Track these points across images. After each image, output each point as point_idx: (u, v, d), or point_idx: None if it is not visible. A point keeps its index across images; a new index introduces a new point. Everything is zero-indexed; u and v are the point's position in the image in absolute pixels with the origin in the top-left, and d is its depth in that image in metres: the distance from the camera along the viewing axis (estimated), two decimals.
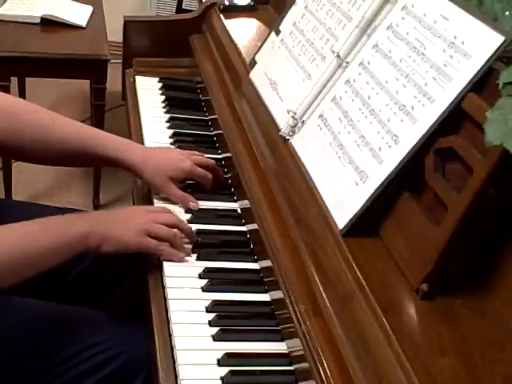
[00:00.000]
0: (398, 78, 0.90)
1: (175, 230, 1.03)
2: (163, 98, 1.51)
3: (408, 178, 0.85)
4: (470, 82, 0.79)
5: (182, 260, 1.01)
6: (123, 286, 1.19)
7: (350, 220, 0.87)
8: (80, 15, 2.35)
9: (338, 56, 1.04)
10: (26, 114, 1.11)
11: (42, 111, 1.14)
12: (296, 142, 1.06)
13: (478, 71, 0.78)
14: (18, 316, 1.02)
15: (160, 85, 1.57)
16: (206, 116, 1.47)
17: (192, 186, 1.18)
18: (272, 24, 1.32)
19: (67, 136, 1.12)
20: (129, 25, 1.64)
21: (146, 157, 1.14)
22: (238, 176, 1.17)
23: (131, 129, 1.41)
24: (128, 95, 1.55)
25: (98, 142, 1.13)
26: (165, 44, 1.64)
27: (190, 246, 1.05)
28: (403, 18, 0.94)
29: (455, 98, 0.80)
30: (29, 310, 1.03)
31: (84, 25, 2.31)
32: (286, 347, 0.90)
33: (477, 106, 0.77)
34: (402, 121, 0.86)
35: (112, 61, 2.14)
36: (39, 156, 1.14)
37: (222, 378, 0.84)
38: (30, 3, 2.34)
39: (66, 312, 1.05)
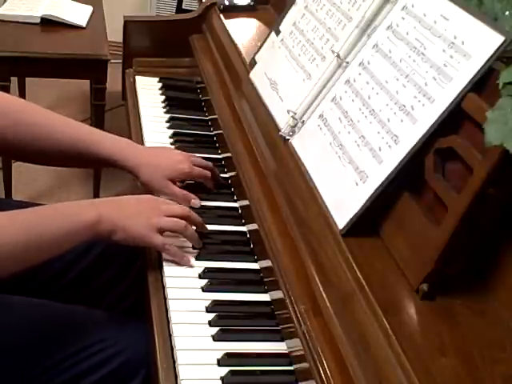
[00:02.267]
0: (397, 78, 0.90)
1: (184, 223, 1.01)
2: (163, 98, 1.51)
3: (408, 178, 0.85)
4: (469, 82, 0.79)
5: (186, 263, 1.01)
6: (123, 285, 1.19)
7: (350, 220, 0.87)
8: (80, 15, 2.35)
9: (338, 56, 1.04)
10: (23, 112, 1.10)
11: (39, 110, 1.14)
12: (296, 142, 1.06)
13: (478, 71, 0.78)
14: (17, 314, 1.02)
15: (160, 85, 1.57)
16: (206, 116, 1.47)
17: (191, 186, 1.19)
18: (272, 24, 1.32)
19: (64, 136, 1.11)
20: (129, 25, 1.64)
21: (144, 158, 1.13)
22: (238, 176, 1.17)
23: (131, 129, 1.41)
24: (128, 95, 1.55)
25: (95, 141, 1.12)
26: (165, 44, 1.64)
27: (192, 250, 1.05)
28: (403, 18, 0.94)
29: (455, 98, 0.80)
30: (28, 308, 1.03)
31: (84, 25, 2.31)
32: (285, 347, 0.90)
33: (477, 106, 0.77)
34: (402, 121, 0.86)
35: (112, 61, 2.14)
36: (35, 156, 1.14)
37: (222, 378, 0.84)
38: (29, 3, 2.34)
39: (65, 311, 1.05)
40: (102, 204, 0.99)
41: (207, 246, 1.06)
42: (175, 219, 1.01)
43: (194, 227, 1.04)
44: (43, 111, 1.14)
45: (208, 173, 1.18)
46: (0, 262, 0.87)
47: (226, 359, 0.87)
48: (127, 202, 1.03)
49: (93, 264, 1.16)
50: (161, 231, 0.99)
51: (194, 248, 1.04)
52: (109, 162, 1.13)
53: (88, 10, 2.43)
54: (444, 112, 0.81)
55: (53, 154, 1.12)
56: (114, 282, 1.19)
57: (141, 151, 1.16)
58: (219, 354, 0.87)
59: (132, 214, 0.98)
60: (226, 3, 1.62)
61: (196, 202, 1.13)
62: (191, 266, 1.01)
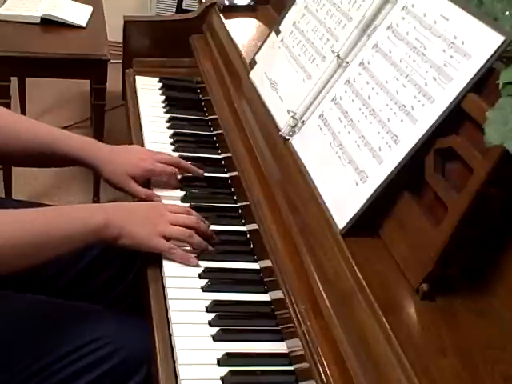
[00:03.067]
0: (397, 78, 0.90)
1: (189, 232, 1.02)
2: (163, 98, 1.51)
3: (408, 178, 0.85)
4: (469, 82, 0.79)
5: (193, 264, 1.01)
6: (123, 283, 1.20)
7: (350, 220, 0.87)
8: (80, 15, 2.35)
9: (338, 56, 1.04)
10: None
11: (6, 112, 1.16)
12: (296, 142, 1.06)
13: (478, 71, 0.78)
14: (16, 311, 1.02)
15: (160, 85, 1.57)
16: (206, 116, 1.47)
17: (190, 186, 1.19)
18: (272, 24, 1.32)
19: (31, 136, 1.13)
20: (129, 25, 1.64)
21: (107, 156, 1.15)
22: (238, 176, 1.17)
23: (131, 129, 1.41)
24: (128, 95, 1.55)
25: (58, 141, 1.14)
26: (165, 44, 1.64)
27: (210, 248, 1.05)
28: (403, 18, 0.94)
29: (455, 98, 0.80)
30: (28, 305, 1.04)
31: (84, 25, 2.31)
32: (286, 347, 0.90)
33: (477, 106, 0.77)
34: (402, 121, 0.86)
35: (112, 61, 2.14)
36: (4, 157, 1.15)
37: (222, 378, 0.84)
38: (29, 3, 2.34)
39: (65, 307, 1.05)
40: (110, 209, 1.00)
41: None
42: (181, 228, 1.02)
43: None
44: (9, 112, 1.17)
45: (171, 169, 1.18)
46: (7, 258, 0.88)
47: (226, 359, 0.87)
48: (135, 208, 1.05)
49: (93, 263, 1.17)
50: (166, 238, 1.00)
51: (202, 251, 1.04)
52: (72, 160, 1.15)
53: (88, 9, 2.43)
54: (444, 112, 0.81)
55: (19, 156, 1.14)
56: (113, 281, 1.19)
57: (103, 149, 1.17)
58: (219, 354, 0.87)
59: (139, 221, 1.00)
60: (226, 3, 1.62)
61: (158, 199, 1.14)
62: (199, 267, 1.02)
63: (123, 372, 0.99)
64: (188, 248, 1.03)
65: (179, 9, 3.25)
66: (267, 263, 0.99)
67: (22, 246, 0.89)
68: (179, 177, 1.22)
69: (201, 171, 1.24)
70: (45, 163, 1.23)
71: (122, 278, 1.20)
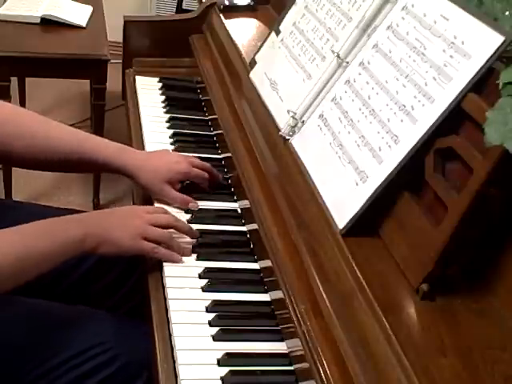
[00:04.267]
0: (397, 78, 0.90)
1: (171, 230, 1.03)
2: (163, 98, 1.51)
3: (408, 178, 0.85)
4: (469, 82, 0.79)
5: (177, 261, 1.01)
6: (125, 287, 1.19)
7: (350, 220, 0.87)
8: (80, 15, 2.35)
9: (338, 56, 1.04)
10: (20, 125, 1.11)
11: (36, 119, 1.14)
12: (296, 142, 1.06)
13: (478, 71, 0.78)
14: (18, 316, 1.02)
15: (160, 85, 1.57)
16: (206, 116, 1.47)
17: (190, 187, 1.19)
18: (272, 24, 1.32)
19: (62, 144, 1.12)
20: (129, 25, 1.64)
21: (142, 162, 1.14)
22: (238, 176, 1.17)
23: (131, 129, 1.41)
24: (128, 95, 1.55)
25: (93, 149, 1.13)
26: (165, 44, 1.64)
27: (189, 246, 1.05)
28: (403, 18, 0.94)
29: (455, 98, 0.80)
30: (29, 310, 1.03)
31: (84, 25, 2.31)
32: (286, 347, 0.90)
33: (477, 106, 0.77)
34: (402, 121, 0.86)
35: (112, 61, 2.14)
36: (34, 164, 1.15)
37: (222, 378, 0.84)
38: (29, 3, 2.34)
39: (67, 312, 1.05)
40: (86, 219, 1.00)
41: (207, 245, 1.06)
42: (161, 230, 1.02)
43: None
44: (40, 120, 1.15)
45: (206, 174, 1.18)
46: (4, 276, 0.87)
47: (226, 359, 0.87)
48: (112, 214, 1.04)
49: (94, 267, 1.16)
50: (147, 238, 1.00)
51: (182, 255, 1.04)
52: (107, 167, 1.15)
53: (88, 9, 2.43)
54: (444, 112, 0.81)
55: (51, 163, 1.13)
56: (116, 284, 1.19)
57: (138, 156, 1.17)
58: (219, 354, 0.87)
59: (117, 226, 0.99)
60: (226, 3, 1.62)
61: (194, 205, 1.14)
62: (188, 262, 1.02)
63: (124, 377, 0.99)
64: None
65: (179, 9, 3.24)
66: (267, 263, 0.99)
67: (6, 268, 0.88)
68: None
69: (221, 177, 1.24)
70: (79, 170, 1.22)
71: (123, 282, 1.19)
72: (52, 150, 1.11)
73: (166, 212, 1.07)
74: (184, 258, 1.02)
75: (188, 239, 1.06)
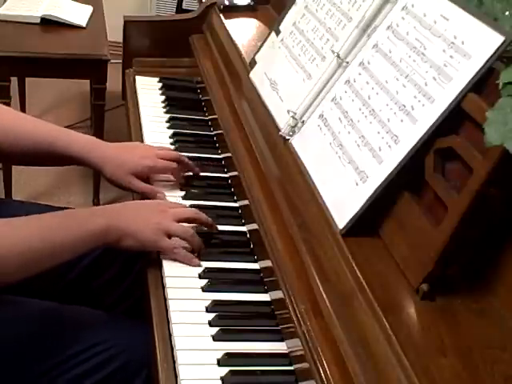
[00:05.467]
0: (397, 78, 0.90)
1: (192, 231, 1.03)
2: (163, 98, 1.51)
3: (408, 178, 0.85)
4: (469, 82, 0.79)
5: (196, 265, 1.01)
6: (124, 285, 1.20)
7: (350, 220, 0.87)
8: (80, 15, 2.35)
9: (338, 56, 1.04)
10: None
11: (10, 111, 1.16)
12: (296, 142, 1.06)
13: (478, 71, 0.78)
14: (18, 315, 1.02)
15: (160, 85, 1.57)
16: (206, 116, 1.47)
17: (190, 186, 1.19)
18: (272, 24, 1.32)
19: (34, 135, 1.13)
20: (129, 25, 1.64)
21: (108, 155, 1.15)
22: (238, 176, 1.17)
23: (131, 129, 1.41)
24: (128, 95, 1.55)
25: (64, 142, 1.13)
26: (165, 44, 1.64)
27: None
28: (403, 18, 0.94)
29: (455, 98, 0.80)
30: (29, 309, 1.03)
31: (84, 25, 2.31)
32: (286, 347, 0.90)
33: (477, 106, 0.77)
34: (402, 121, 0.86)
35: (112, 61, 2.14)
36: (6, 156, 1.16)
37: (222, 378, 0.84)
38: (29, 3, 2.34)
39: (66, 312, 1.05)
40: (110, 211, 1.00)
41: (207, 245, 1.06)
42: (184, 227, 1.02)
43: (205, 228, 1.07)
44: (13, 111, 1.17)
45: (173, 164, 1.18)
46: (10, 268, 0.88)
47: (226, 359, 0.87)
48: (136, 207, 1.04)
49: (94, 264, 1.17)
50: (169, 236, 1.00)
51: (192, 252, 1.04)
52: (76, 161, 1.15)
53: (88, 9, 2.43)
54: (444, 112, 0.81)
55: (21, 154, 1.14)
56: (114, 282, 1.19)
57: (105, 148, 1.17)
58: (219, 354, 0.87)
59: (141, 220, 0.99)
60: (226, 3, 1.62)
61: (161, 195, 1.14)
62: (200, 266, 1.02)
63: (124, 376, 0.99)
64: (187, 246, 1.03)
65: (179, 9, 3.25)
66: (267, 263, 0.99)
67: (26, 255, 0.89)
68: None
69: (197, 169, 1.23)
70: (43, 162, 1.22)
71: (122, 279, 1.20)
72: (25, 144, 1.12)
73: (186, 206, 1.08)
74: None
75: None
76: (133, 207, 1.04)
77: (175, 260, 1.01)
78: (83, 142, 1.15)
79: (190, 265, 1.01)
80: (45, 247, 0.91)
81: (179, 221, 1.02)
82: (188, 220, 1.04)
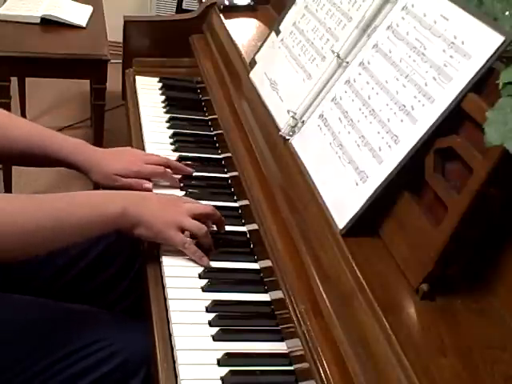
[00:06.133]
0: (397, 78, 0.90)
1: (206, 229, 1.03)
2: (163, 98, 1.51)
3: (408, 178, 0.85)
4: (469, 82, 0.79)
5: (205, 264, 1.01)
6: (124, 283, 1.20)
7: (350, 220, 0.87)
8: (80, 15, 2.35)
9: (338, 56, 1.04)
10: None
11: (5, 115, 1.16)
12: (296, 142, 1.06)
13: (478, 71, 0.78)
14: (16, 313, 1.02)
15: (160, 85, 1.57)
16: (206, 116, 1.47)
17: (189, 186, 1.19)
18: (272, 24, 1.32)
19: (23, 137, 1.13)
20: (129, 25, 1.64)
21: (96, 159, 1.15)
22: (238, 176, 1.17)
23: (131, 129, 1.41)
24: (128, 95, 1.55)
25: (53, 144, 1.14)
26: (165, 44, 1.64)
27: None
28: (403, 18, 0.94)
29: (455, 98, 0.80)
30: (27, 307, 1.04)
31: (84, 25, 2.31)
32: (286, 347, 0.90)
33: (477, 106, 0.77)
34: (402, 121, 0.86)
35: (112, 61, 2.14)
36: (1, 157, 1.16)
37: (222, 378, 0.84)
38: (30, 3, 2.34)
39: (64, 309, 1.05)
40: (128, 197, 1.01)
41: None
42: (198, 223, 1.02)
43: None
44: (9, 116, 1.17)
45: (160, 169, 1.18)
46: (28, 242, 0.89)
47: (226, 359, 0.87)
48: (152, 197, 1.05)
49: (94, 262, 1.17)
50: (182, 230, 1.00)
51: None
52: (64, 163, 1.15)
53: (88, 10, 2.43)
54: (444, 112, 0.81)
55: (12, 154, 1.14)
56: (114, 280, 1.19)
57: (92, 152, 1.17)
58: (219, 354, 0.87)
59: (157, 210, 1.00)
60: (226, 3, 1.62)
61: (148, 185, 1.14)
62: (189, 262, 1.02)
63: (122, 374, 0.99)
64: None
65: (179, 9, 3.25)
66: (267, 263, 0.99)
67: (42, 230, 0.89)
68: (179, 177, 1.22)
69: (191, 170, 1.23)
70: (37, 164, 1.22)
71: (122, 278, 1.20)
72: (18, 147, 1.12)
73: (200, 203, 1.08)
74: (184, 258, 1.02)
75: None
76: (150, 197, 1.05)
77: (175, 258, 1.01)
78: (72, 146, 1.15)
79: (198, 262, 1.01)
80: (54, 226, 0.91)
81: (194, 216, 1.02)
82: (202, 215, 1.04)
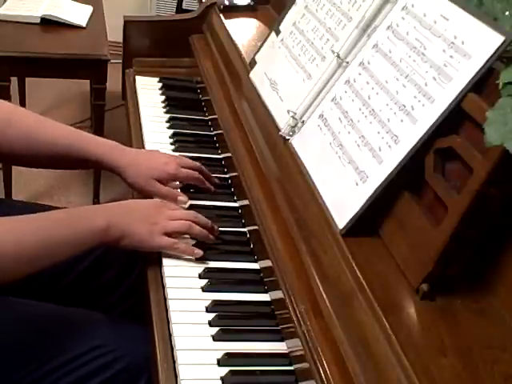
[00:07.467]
0: (397, 78, 0.90)
1: (189, 223, 1.03)
2: (163, 98, 1.51)
3: (408, 178, 0.85)
4: (469, 82, 0.79)
5: (198, 255, 1.02)
6: (123, 287, 1.19)
7: (350, 220, 0.87)
8: (80, 15, 2.35)
9: (338, 56, 1.04)
10: (14, 116, 1.12)
11: (30, 114, 1.15)
12: (296, 142, 1.06)
13: (478, 71, 0.78)
14: (16, 318, 1.01)
15: (160, 85, 1.57)
16: (206, 116, 1.47)
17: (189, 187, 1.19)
18: (272, 24, 1.32)
19: (54, 140, 1.12)
20: (129, 25, 1.64)
21: (131, 160, 1.14)
22: (238, 176, 1.17)
23: (131, 129, 1.41)
24: (128, 95, 1.55)
25: (84, 144, 1.13)
26: (165, 44, 1.64)
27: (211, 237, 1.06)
28: (403, 18, 0.94)
29: (455, 98, 0.80)
30: (27, 312, 1.03)
31: (84, 25, 2.31)
32: (285, 347, 0.90)
33: (477, 106, 0.77)
34: (402, 121, 0.86)
35: (112, 61, 2.14)
36: (27, 159, 1.15)
37: (222, 378, 0.84)
38: (30, 3, 2.34)
39: (65, 314, 1.05)
40: (111, 210, 1.01)
41: (207, 246, 1.06)
42: (179, 222, 1.02)
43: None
44: (33, 115, 1.15)
45: (195, 173, 1.18)
46: (8, 267, 0.88)
47: (226, 359, 0.87)
48: (134, 206, 1.04)
49: (94, 265, 1.16)
50: (167, 235, 1.01)
51: (205, 244, 1.04)
52: (98, 165, 1.15)
53: (88, 9, 2.43)
54: (444, 112, 0.81)
55: (43, 158, 1.14)
56: (114, 283, 1.19)
57: (127, 153, 1.16)
58: (219, 354, 0.87)
59: (139, 220, 1.00)
60: (226, 3, 1.62)
61: (182, 198, 1.14)
62: (189, 261, 1.02)
63: (124, 380, 0.98)
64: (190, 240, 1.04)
65: (179, 9, 3.25)
66: (267, 263, 0.99)
67: (24, 254, 0.88)
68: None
69: (217, 181, 1.23)
70: (57, 165, 1.22)
71: (122, 281, 1.19)
72: (44, 145, 1.12)
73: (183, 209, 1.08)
74: (184, 258, 1.02)
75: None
76: (133, 207, 1.04)
77: (176, 256, 1.01)
78: (107, 147, 1.14)
79: (192, 255, 1.02)
80: (41, 246, 0.91)
81: (175, 218, 1.02)
82: (183, 215, 1.04)
